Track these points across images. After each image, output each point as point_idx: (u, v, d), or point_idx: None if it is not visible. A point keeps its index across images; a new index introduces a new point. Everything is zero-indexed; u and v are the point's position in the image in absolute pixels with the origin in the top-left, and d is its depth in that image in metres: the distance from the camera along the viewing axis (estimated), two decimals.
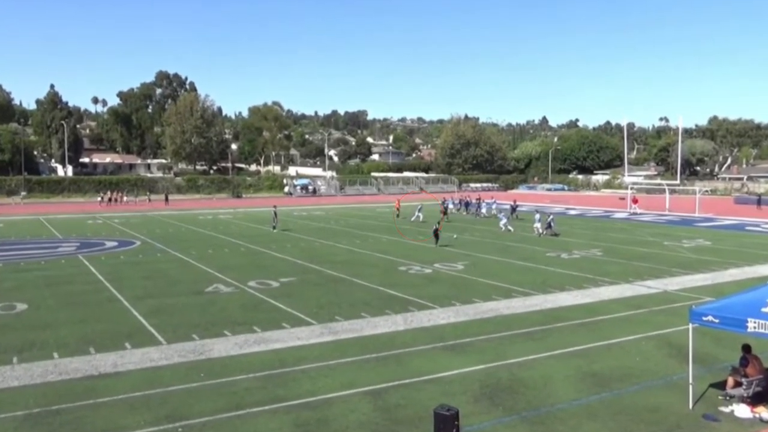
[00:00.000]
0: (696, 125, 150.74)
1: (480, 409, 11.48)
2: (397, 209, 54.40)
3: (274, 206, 46.99)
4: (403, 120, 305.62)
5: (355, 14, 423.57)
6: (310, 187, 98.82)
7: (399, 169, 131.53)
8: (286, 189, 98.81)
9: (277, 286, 23.10)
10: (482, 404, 11.72)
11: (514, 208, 52.15)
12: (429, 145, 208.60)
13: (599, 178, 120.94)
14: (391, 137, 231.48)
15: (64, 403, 11.72)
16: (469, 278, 24.75)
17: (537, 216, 40.64)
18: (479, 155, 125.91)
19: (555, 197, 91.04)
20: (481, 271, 26.41)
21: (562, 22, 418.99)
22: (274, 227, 43.14)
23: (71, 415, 11.23)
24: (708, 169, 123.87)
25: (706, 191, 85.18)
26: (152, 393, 12.27)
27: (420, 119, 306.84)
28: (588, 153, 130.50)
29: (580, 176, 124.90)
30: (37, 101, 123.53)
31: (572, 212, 59.87)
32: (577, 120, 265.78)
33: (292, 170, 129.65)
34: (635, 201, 60.85)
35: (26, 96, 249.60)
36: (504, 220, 42.92)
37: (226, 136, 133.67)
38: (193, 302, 20.41)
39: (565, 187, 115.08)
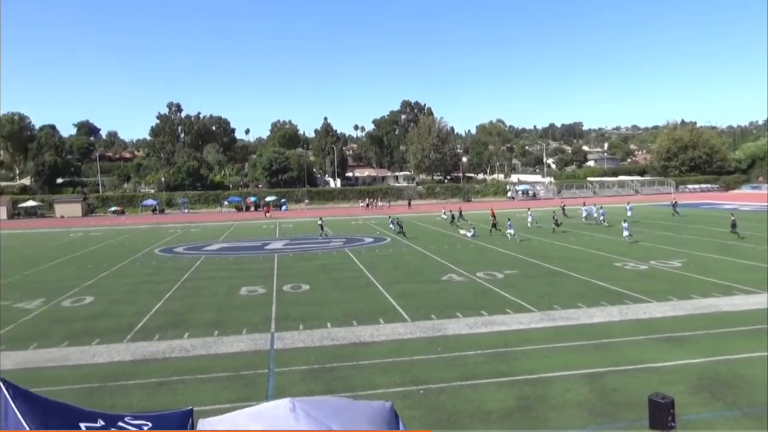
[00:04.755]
0: None
1: (698, 400, 10.23)
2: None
3: (397, 217, 46.00)
4: (617, 128, 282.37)
5: (566, 36, 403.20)
6: (530, 192, 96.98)
7: (614, 174, 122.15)
8: (509, 194, 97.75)
9: (501, 277, 22.91)
10: (701, 396, 10.42)
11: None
12: (644, 150, 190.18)
13: None
14: (606, 144, 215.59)
15: (335, 363, 12.92)
16: (687, 275, 22.09)
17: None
18: (697, 157, 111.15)
19: None
20: (699, 268, 23.41)
21: None
22: (400, 233, 40.02)
23: (340, 372, 12.36)
24: None
25: None
26: (399, 360, 12.97)
27: (634, 126, 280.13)
28: None
29: None
30: (315, 131, 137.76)
31: None
32: None
33: (514, 177, 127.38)
34: None
35: (308, 127, 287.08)
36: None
37: (458, 150, 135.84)
38: (431, 288, 21.12)
39: None
